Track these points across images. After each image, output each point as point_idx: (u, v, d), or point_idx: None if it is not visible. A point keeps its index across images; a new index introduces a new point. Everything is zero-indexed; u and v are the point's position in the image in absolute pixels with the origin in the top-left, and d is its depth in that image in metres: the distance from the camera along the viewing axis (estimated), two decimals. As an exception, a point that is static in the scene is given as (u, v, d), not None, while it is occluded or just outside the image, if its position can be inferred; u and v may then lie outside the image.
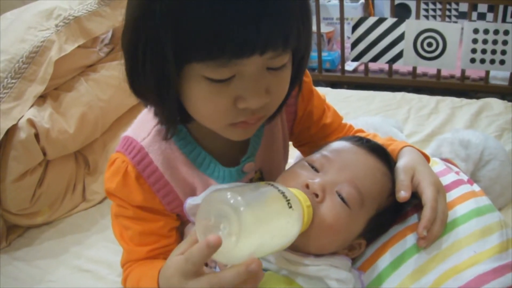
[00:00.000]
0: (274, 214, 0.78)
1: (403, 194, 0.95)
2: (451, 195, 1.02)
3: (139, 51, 0.81)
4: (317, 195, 0.90)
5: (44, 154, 1.69)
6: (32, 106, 1.68)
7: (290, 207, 0.79)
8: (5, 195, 1.63)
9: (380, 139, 1.14)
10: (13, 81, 1.66)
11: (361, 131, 1.25)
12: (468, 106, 2.15)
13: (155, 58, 0.79)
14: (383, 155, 1.01)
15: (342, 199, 0.91)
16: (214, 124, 0.90)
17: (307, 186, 0.91)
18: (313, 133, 1.20)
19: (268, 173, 1.11)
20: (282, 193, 0.81)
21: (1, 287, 1.49)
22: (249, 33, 0.73)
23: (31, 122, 1.63)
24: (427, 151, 1.39)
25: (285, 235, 0.80)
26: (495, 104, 2.13)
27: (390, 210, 0.99)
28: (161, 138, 0.99)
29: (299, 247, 0.90)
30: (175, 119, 0.92)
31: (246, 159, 1.04)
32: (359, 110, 2.21)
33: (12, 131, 1.61)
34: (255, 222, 0.73)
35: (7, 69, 1.66)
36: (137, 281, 0.98)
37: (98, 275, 1.50)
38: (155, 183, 0.99)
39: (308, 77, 1.15)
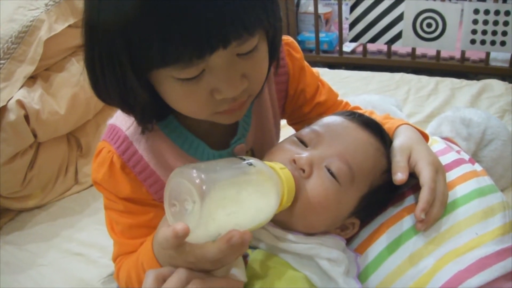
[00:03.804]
0: (228, 170, 0.75)
1: (399, 176, 0.91)
2: (452, 175, 0.99)
3: (96, 65, 0.78)
4: (303, 170, 0.87)
5: (35, 136, 1.68)
6: (22, 87, 1.67)
7: (251, 164, 0.76)
8: (-5, 178, 1.62)
9: (376, 117, 1.10)
10: (2, 61, 1.64)
11: (358, 108, 1.22)
12: (468, 87, 2.14)
13: (115, 71, 0.76)
14: (377, 130, 0.98)
15: (332, 174, 0.87)
16: (199, 116, 0.87)
17: (294, 161, 0.88)
18: (307, 111, 1.17)
19: (259, 152, 1.08)
20: (240, 157, 0.79)
21: (-8, 272, 1.48)
22: (203, 34, 0.70)
23: (20, 103, 1.62)
24: (427, 130, 1.38)
25: (255, 196, 0.76)
26: (496, 85, 2.12)
27: (385, 188, 0.95)
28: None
29: (288, 225, 0.88)
30: (148, 121, 0.91)
31: (236, 141, 1.01)
32: (357, 91, 2.21)
33: (1, 112, 1.59)
34: (212, 184, 0.69)
35: (-5, 49, 1.64)
36: (134, 260, 0.95)
37: (89, 258, 1.50)
38: (141, 172, 0.97)
39: (299, 53, 1.11)
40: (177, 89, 0.79)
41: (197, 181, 0.68)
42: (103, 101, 0.86)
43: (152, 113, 0.89)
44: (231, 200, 0.71)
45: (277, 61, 0.97)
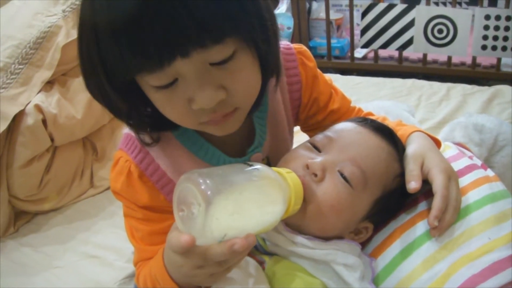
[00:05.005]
0: (233, 175, 0.77)
1: (413, 185, 0.92)
2: (464, 181, 1.00)
3: (86, 72, 0.81)
4: (316, 175, 0.89)
5: (52, 140, 1.70)
6: (39, 91, 1.69)
7: (255, 169, 0.79)
8: (12, 180, 1.64)
9: (389, 123, 1.12)
10: (21, 66, 1.66)
11: (371, 114, 1.23)
12: (480, 93, 2.14)
13: (96, 78, 0.79)
14: (388, 135, 0.99)
15: (345, 178, 0.89)
16: (185, 125, 0.88)
17: (307, 167, 0.90)
18: (321, 119, 1.17)
19: (275, 160, 1.08)
20: (245, 163, 0.81)
21: (8, 273, 1.50)
22: (157, 44, 0.71)
23: (38, 108, 1.64)
24: (440, 136, 1.38)
25: (259, 197, 0.78)
26: (507, 91, 2.12)
27: (398, 193, 0.96)
28: (161, 136, 0.97)
29: (302, 229, 0.89)
30: (142, 129, 0.92)
31: (253, 149, 1.02)
32: (369, 97, 2.21)
33: (19, 116, 1.62)
34: (215, 187, 0.71)
35: (14, 54, 1.67)
36: (149, 270, 0.97)
37: (105, 261, 1.51)
38: (158, 181, 0.98)
39: (312, 62, 1.12)
40: (156, 96, 0.81)
41: (202, 185, 0.70)
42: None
43: (142, 121, 0.90)
44: (234, 202, 0.73)
45: (277, 74, 0.95)
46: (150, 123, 0.91)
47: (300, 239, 0.88)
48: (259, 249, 0.94)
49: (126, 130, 1.01)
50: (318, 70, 1.14)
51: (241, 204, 0.74)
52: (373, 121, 1.03)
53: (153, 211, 1.01)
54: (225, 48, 0.76)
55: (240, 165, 0.80)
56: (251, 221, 0.76)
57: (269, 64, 0.88)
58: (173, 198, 0.76)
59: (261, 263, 0.90)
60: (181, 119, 0.85)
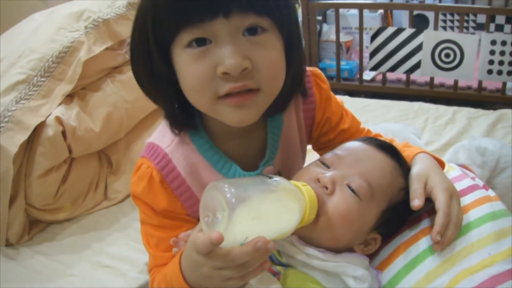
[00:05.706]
0: (255, 185, 0.83)
1: (417, 202, 0.98)
2: (466, 200, 1.04)
3: (134, 48, 0.92)
4: (326, 188, 0.95)
5: (70, 151, 1.73)
6: (60, 104, 1.72)
7: (275, 180, 0.85)
8: (30, 190, 1.67)
9: (397, 144, 1.17)
10: (43, 79, 1.70)
11: (379, 135, 1.28)
12: (484, 117, 2.16)
13: (143, 48, 0.90)
14: (392, 151, 1.05)
15: (353, 190, 0.95)
16: (202, 97, 0.90)
17: (318, 180, 0.96)
18: (331, 138, 1.23)
19: (286, 174, 1.13)
20: (266, 176, 0.88)
21: (23, 280, 1.52)
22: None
23: (58, 120, 1.67)
24: (444, 158, 1.42)
25: (277, 205, 0.84)
26: (511, 115, 2.13)
27: (403, 205, 1.01)
28: (183, 145, 1.04)
29: (314, 240, 0.95)
30: (172, 108, 0.99)
31: (264, 163, 1.07)
32: (377, 119, 2.23)
33: (40, 128, 1.64)
34: (239, 195, 0.77)
35: (37, 67, 1.70)
36: (163, 275, 1.01)
37: (119, 271, 1.52)
38: (177, 188, 1.03)
39: (325, 84, 1.18)
40: (186, 59, 0.87)
41: (227, 194, 0.77)
42: (138, 82, 0.97)
43: (175, 98, 0.97)
44: (255, 209, 0.79)
45: (301, 91, 1.04)
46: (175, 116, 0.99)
47: (313, 251, 0.93)
48: (274, 261, 0.99)
49: (149, 140, 1.08)
50: (331, 92, 1.20)
51: (262, 211, 0.80)
52: (377, 139, 1.09)
53: (169, 217, 1.05)
54: (261, 21, 0.86)
55: (261, 177, 0.88)
56: (270, 227, 0.82)
57: (293, 68, 0.96)
58: (200, 205, 0.82)
59: (275, 274, 0.95)
60: (201, 88, 0.88)
